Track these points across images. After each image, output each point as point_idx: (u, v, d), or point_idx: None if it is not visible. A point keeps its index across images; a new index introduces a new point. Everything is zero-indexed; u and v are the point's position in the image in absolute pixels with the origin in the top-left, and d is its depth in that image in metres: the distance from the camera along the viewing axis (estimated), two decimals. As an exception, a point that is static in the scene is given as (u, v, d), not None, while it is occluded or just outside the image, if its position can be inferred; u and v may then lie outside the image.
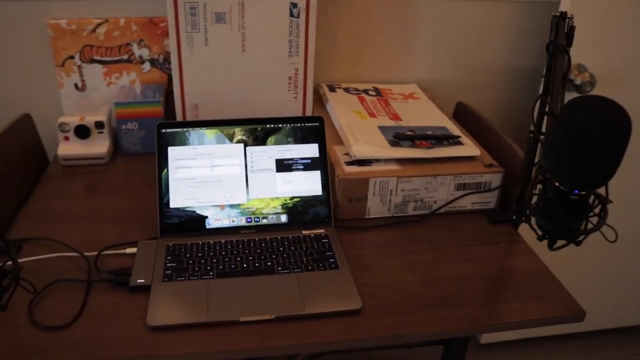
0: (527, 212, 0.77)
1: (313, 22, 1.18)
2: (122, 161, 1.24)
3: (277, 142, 1.02)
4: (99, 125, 1.21)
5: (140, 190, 1.13)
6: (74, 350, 0.76)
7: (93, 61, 1.28)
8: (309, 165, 1.02)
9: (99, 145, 1.22)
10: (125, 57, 1.28)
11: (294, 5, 1.16)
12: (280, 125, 1.03)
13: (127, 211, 1.06)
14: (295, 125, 1.03)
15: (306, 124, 1.04)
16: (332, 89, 1.34)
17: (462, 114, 1.33)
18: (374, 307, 0.85)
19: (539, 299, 0.88)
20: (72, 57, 1.27)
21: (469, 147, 1.11)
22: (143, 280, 0.86)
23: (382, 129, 1.15)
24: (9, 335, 0.77)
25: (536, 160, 0.98)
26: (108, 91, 1.31)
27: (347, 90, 1.34)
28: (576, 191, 0.68)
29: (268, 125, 1.03)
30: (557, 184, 0.70)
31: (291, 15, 1.16)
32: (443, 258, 0.97)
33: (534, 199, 0.79)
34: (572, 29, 0.94)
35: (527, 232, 0.96)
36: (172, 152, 1.00)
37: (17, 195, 1.13)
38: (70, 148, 1.20)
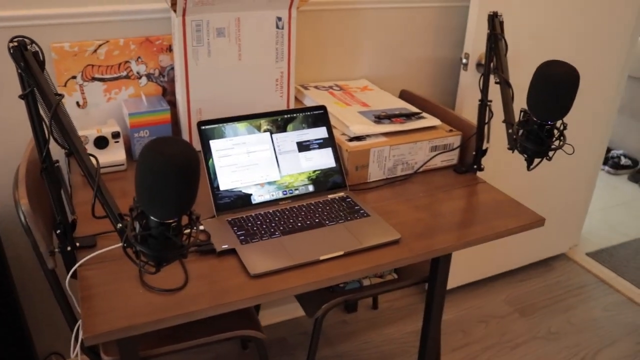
0: (517, 143, 1.08)
1: (294, 32, 1.43)
2: (138, 166, 1.38)
3: (295, 128, 1.26)
4: (116, 135, 1.34)
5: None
6: (201, 299, 0.94)
7: (94, 79, 1.40)
8: (321, 144, 1.27)
9: (118, 154, 1.35)
10: (125, 73, 1.42)
11: (279, 18, 1.40)
12: (295, 115, 1.27)
13: (172, 202, 1.23)
14: (307, 113, 1.28)
15: (314, 112, 1.28)
16: (305, 87, 1.59)
17: (407, 98, 1.65)
18: (407, 237, 1.12)
19: (510, 215, 1.22)
20: (74, 77, 1.38)
21: (431, 119, 1.43)
22: (227, 246, 1.05)
23: (362, 113, 1.43)
24: (136, 300, 0.93)
25: (486, 119, 1.33)
26: (108, 106, 1.44)
27: (316, 87, 1.60)
28: (549, 122, 1.03)
29: (286, 116, 1.26)
30: (535, 119, 1.04)
31: (277, 27, 1.40)
32: (437, 200, 1.27)
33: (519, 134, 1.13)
34: (502, 23, 1.30)
35: (483, 175, 1.30)
36: (214, 144, 1.19)
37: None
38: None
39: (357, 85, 1.67)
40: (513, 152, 1.14)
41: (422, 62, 1.82)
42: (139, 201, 0.73)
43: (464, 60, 1.73)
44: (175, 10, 1.28)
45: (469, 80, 1.74)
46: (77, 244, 1.04)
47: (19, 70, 0.85)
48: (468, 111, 1.77)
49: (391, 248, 1.09)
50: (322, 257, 1.04)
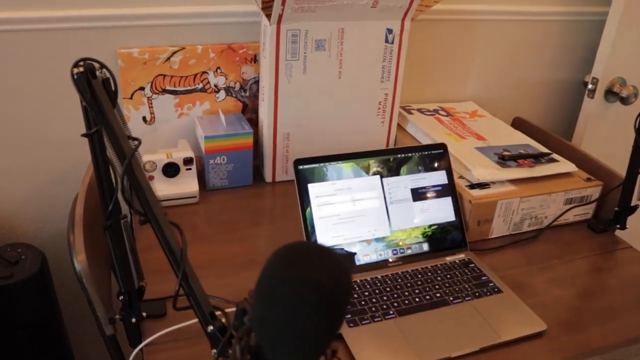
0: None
1: (405, 47, 1.19)
2: (211, 199, 1.17)
3: (410, 172, 1.02)
4: (188, 161, 1.13)
5: (254, 230, 1.08)
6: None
7: (165, 92, 1.19)
8: (439, 191, 1.03)
9: (189, 183, 1.14)
10: (200, 85, 1.21)
11: (390, 30, 1.16)
12: (410, 155, 1.03)
13: (256, 253, 1.01)
14: (423, 153, 1.04)
15: (432, 152, 1.05)
16: (408, 111, 1.35)
17: (523, 129, 1.39)
18: (553, 327, 0.88)
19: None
20: (142, 89, 1.17)
21: (565, 164, 1.17)
22: (332, 327, 0.83)
23: (480, 150, 1.19)
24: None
25: None
26: (178, 123, 1.23)
27: (420, 111, 1.36)
28: None
29: (400, 155, 1.02)
30: None
31: (386, 40, 1.16)
32: (577, 272, 1.02)
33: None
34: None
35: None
36: (313, 189, 0.96)
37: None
38: (159, 188, 1.12)
39: (465, 110, 1.42)
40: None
41: (537, 84, 1.56)
42: (258, 333, 0.50)
43: (590, 86, 1.46)
44: (269, 17, 1.06)
45: (594, 109, 1.47)
46: (144, 314, 0.83)
47: (84, 104, 0.64)
48: (588, 146, 1.50)
49: (535, 343, 0.85)
50: (453, 355, 0.81)
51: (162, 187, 1.12)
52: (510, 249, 1.07)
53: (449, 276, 0.96)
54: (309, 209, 0.95)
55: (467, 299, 0.91)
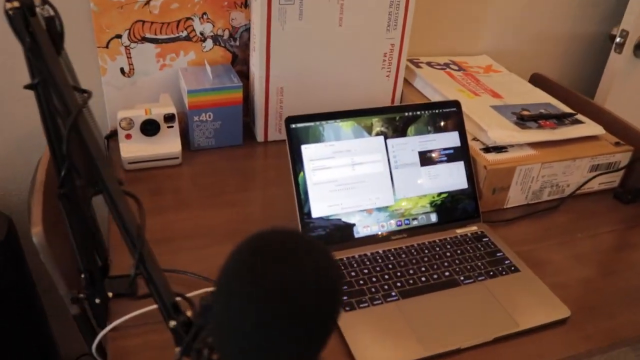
0: None
1: (415, -10, 1.04)
2: (196, 160, 1.06)
3: (418, 132, 0.90)
4: (169, 118, 1.01)
5: (242, 195, 0.97)
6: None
7: (144, 40, 1.06)
8: (451, 155, 0.91)
9: (171, 143, 1.02)
10: (184, 33, 1.07)
11: (398, -29, 1.02)
12: (418, 113, 0.91)
13: (243, 222, 0.90)
14: (433, 111, 0.91)
15: (444, 110, 0.92)
16: (415, 64, 1.21)
17: (541, 86, 1.26)
18: (576, 312, 0.77)
19: None
20: (118, 37, 1.04)
21: (592, 126, 1.04)
22: (325, 311, 0.73)
23: (496, 109, 1.06)
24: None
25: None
26: (161, 76, 1.10)
27: (429, 64, 1.23)
28: None
29: (406, 113, 0.90)
30: None
31: (394, -17, 1.02)
32: (604, 247, 0.91)
33: None
34: None
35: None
36: (307, 151, 0.84)
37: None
38: (137, 149, 1.00)
39: (479, 64, 1.28)
40: None
41: (558, 37, 1.42)
42: (217, 342, 0.39)
43: (618, 39, 1.32)
44: (260, -47, 0.92)
45: (622, 66, 1.33)
46: (110, 295, 0.73)
47: (25, 50, 0.52)
48: (613, 107, 1.37)
49: (557, 331, 0.75)
50: (464, 346, 0.70)
51: (141, 147, 1.01)
52: (527, 221, 0.96)
53: (459, 252, 0.85)
54: (302, 173, 0.84)
55: (479, 278, 0.80)
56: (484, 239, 0.88)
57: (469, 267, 0.82)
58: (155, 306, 0.71)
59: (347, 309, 0.74)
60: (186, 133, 1.07)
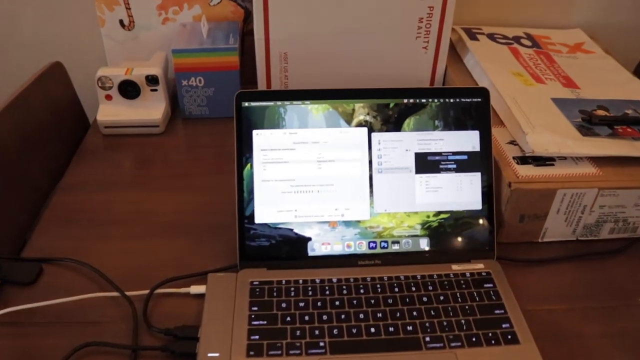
0: None
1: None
2: (183, 130, 0.92)
3: (418, 127, 0.67)
4: (152, 80, 0.88)
5: (214, 179, 0.81)
6: None
7: (144, -11, 0.93)
8: (464, 163, 0.67)
9: (153, 108, 0.89)
10: (187, -17, 0.93)
11: None
12: (423, 101, 0.67)
13: (193, 213, 0.75)
14: (446, 100, 0.67)
15: (463, 100, 0.68)
16: (472, 35, 0.95)
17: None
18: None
19: None
20: (115, -17, 0.92)
21: (701, 140, 0.72)
22: (217, 355, 0.55)
23: (559, 103, 0.78)
24: None
25: None
26: (163, 31, 0.97)
27: (491, 37, 0.95)
28: None
29: (405, 100, 0.67)
30: None
31: None
32: (675, 324, 0.62)
33: None
34: None
35: None
36: (259, 138, 0.66)
37: (43, 179, 0.83)
38: (113, 112, 0.89)
39: (565, 40, 0.98)
40: None
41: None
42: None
43: None
44: None
45: None
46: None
47: None
48: None
49: None
50: None
51: (119, 110, 0.89)
52: (566, 265, 0.69)
53: (442, 298, 0.62)
54: (249, 166, 0.66)
55: (453, 344, 0.57)
56: (487, 285, 0.63)
57: (445, 323, 0.59)
58: (43, 303, 0.59)
59: (252, 354, 0.55)
60: (176, 98, 0.93)
